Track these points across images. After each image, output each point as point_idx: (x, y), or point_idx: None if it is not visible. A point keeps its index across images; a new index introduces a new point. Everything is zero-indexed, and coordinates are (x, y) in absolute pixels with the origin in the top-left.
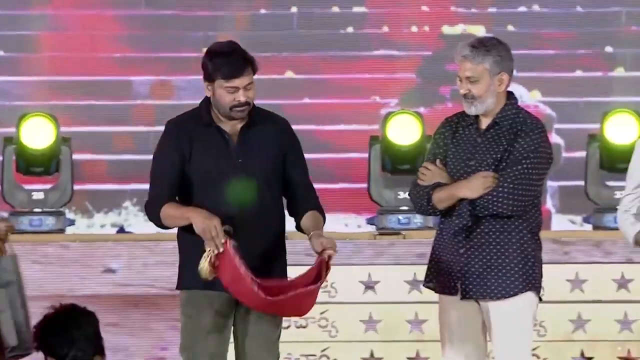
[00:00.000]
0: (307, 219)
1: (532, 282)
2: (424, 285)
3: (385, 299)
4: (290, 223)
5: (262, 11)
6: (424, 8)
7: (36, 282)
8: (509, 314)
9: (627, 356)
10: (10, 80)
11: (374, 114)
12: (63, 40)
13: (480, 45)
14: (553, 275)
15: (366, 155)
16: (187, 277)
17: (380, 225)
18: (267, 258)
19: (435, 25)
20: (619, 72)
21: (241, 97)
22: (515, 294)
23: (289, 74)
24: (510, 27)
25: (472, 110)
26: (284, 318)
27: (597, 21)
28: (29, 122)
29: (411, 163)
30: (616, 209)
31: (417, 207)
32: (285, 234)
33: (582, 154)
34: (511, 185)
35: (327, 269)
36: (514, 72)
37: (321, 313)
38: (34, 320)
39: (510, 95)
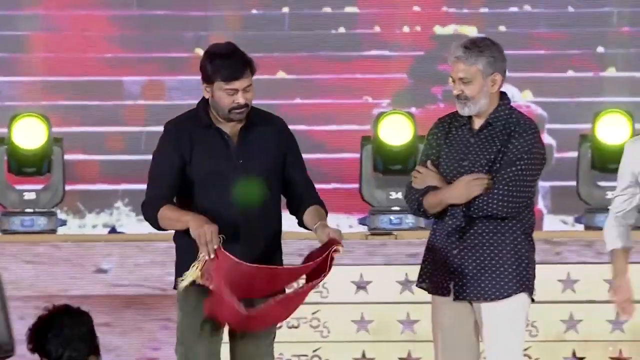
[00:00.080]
0: (310, 213)
1: (526, 284)
2: (416, 286)
3: (377, 299)
4: (285, 223)
5: (254, 11)
6: (416, 8)
7: (28, 282)
8: (502, 315)
9: (618, 356)
10: (2, 80)
11: (365, 114)
12: (54, 41)
13: (474, 46)
14: (545, 276)
15: (358, 155)
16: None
17: (372, 226)
18: (267, 258)
19: (427, 25)
20: (611, 72)
21: (240, 99)
22: (509, 295)
23: (281, 74)
24: (501, 28)
25: (465, 111)
26: None
27: (589, 21)
28: (20, 122)
29: (403, 163)
30: (608, 209)
31: (412, 210)
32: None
33: (573, 154)
34: (506, 187)
35: (330, 266)
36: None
37: (313, 313)
38: (27, 320)
39: (503, 95)
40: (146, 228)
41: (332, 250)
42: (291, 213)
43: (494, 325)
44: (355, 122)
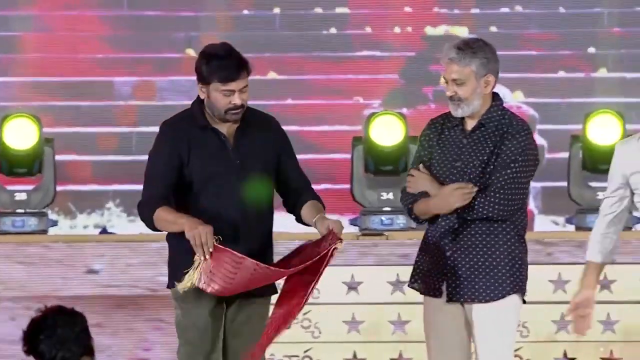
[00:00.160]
0: (307, 207)
1: (519, 285)
2: (408, 286)
3: (368, 300)
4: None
5: (245, 12)
6: (407, 9)
7: (19, 283)
8: (494, 316)
9: (609, 357)
10: None
11: (356, 115)
12: (45, 41)
13: (467, 48)
14: (536, 276)
15: (349, 156)
16: (180, 274)
17: (363, 226)
18: (261, 257)
19: (418, 26)
20: (602, 73)
21: (236, 99)
22: (503, 297)
23: (272, 75)
24: (493, 28)
25: (458, 113)
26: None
27: (580, 22)
28: (11, 122)
29: (394, 164)
30: (599, 210)
31: (407, 215)
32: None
33: (564, 154)
34: (501, 190)
35: (327, 262)
36: None
37: (304, 314)
38: (18, 321)
39: (495, 96)
40: (137, 229)
41: (332, 248)
42: (288, 211)
43: (485, 326)
44: (346, 123)
